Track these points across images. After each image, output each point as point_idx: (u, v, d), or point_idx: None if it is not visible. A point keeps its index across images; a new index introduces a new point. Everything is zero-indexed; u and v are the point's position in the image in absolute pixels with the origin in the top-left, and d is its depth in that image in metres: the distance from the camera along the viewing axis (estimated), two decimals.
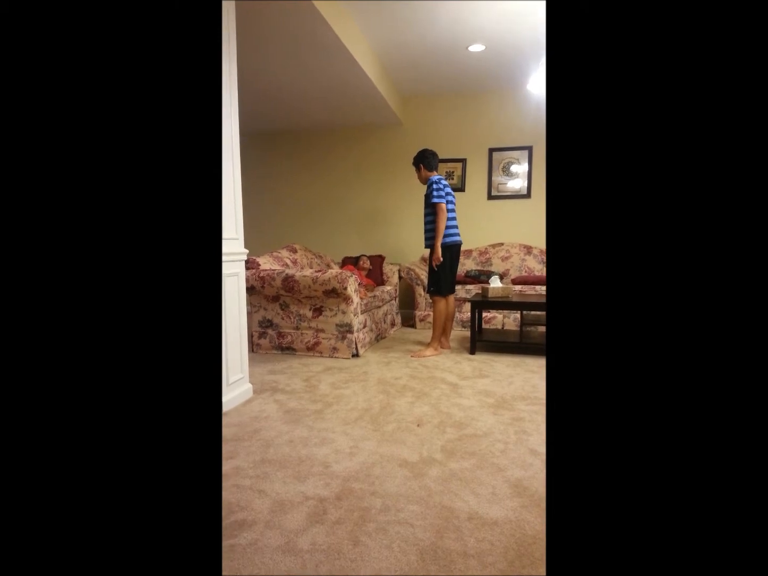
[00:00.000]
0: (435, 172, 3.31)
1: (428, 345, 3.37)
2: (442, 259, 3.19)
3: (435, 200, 3.14)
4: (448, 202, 3.20)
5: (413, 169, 4.90)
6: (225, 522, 1.30)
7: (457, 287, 4.19)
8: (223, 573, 1.09)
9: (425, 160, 3.30)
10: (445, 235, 3.19)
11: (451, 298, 3.37)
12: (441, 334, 3.35)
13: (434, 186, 3.16)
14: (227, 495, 1.44)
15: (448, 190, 3.23)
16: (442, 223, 3.14)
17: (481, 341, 3.44)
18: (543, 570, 1.10)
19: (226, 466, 1.63)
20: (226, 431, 1.96)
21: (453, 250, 3.25)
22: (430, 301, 4.30)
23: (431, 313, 4.31)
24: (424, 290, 4.29)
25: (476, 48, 3.63)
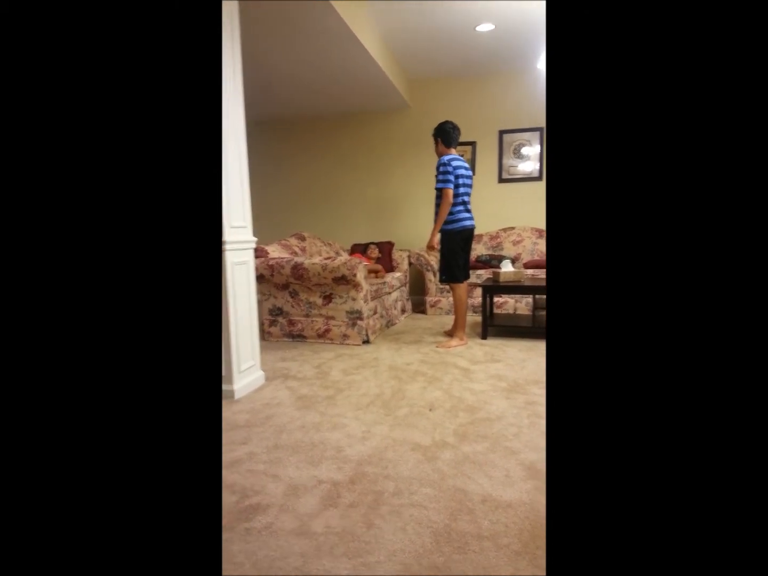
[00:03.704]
0: (452, 150, 3.10)
1: (453, 335, 3.23)
2: (437, 246, 3.11)
3: (439, 185, 3.01)
4: (460, 185, 3.04)
5: (423, 154, 4.84)
6: (240, 506, 1.31)
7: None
8: (239, 556, 1.10)
9: (444, 134, 3.08)
10: (455, 221, 3.06)
11: (465, 284, 3.22)
12: (464, 323, 3.20)
13: (441, 168, 3.00)
14: (241, 480, 1.45)
15: (461, 171, 3.03)
16: (444, 210, 3.01)
17: (493, 326, 3.42)
18: None
19: (240, 452, 1.64)
20: (239, 417, 1.97)
21: (464, 235, 3.11)
22: (441, 287, 4.27)
23: (442, 299, 4.29)
24: (434, 276, 4.26)
25: (485, 28, 3.54)
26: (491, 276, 3.78)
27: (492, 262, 4.24)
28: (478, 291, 4.17)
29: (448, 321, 4.00)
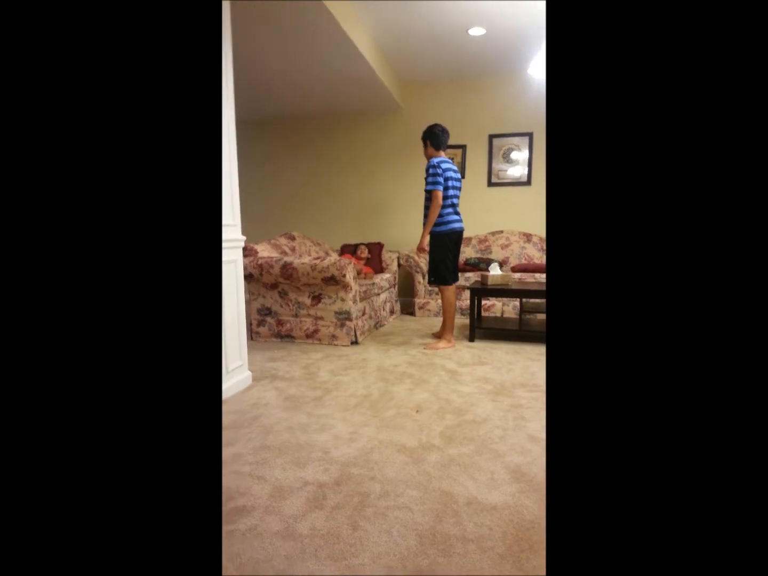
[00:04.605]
0: (441, 152, 3.13)
1: (441, 337, 3.25)
2: (427, 248, 3.11)
3: (429, 187, 3.03)
4: (449, 188, 3.06)
5: (413, 155, 4.86)
6: (224, 508, 1.30)
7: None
8: (222, 559, 1.10)
9: (433, 137, 3.10)
10: (444, 222, 3.08)
11: (453, 287, 3.23)
12: (453, 325, 3.22)
13: (431, 170, 3.03)
14: (227, 481, 1.44)
15: (450, 174, 3.07)
16: (434, 213, 3.03)
17: (481, 329, 3.44)
18: (540, 554, 1.11)
19: (226, 453, 1.63)
20: (226, 418, 1.96)
21: (452, 238, 3.12)
22: (430, 289, 4.29)
23: (430, 301, 4.31)
24: (423, 278, 4.27)
25: (476, 32, 3.57)
26: (479, 279, 3.81)
27: (480, 265, 4.26)
28: (467, 293, 4.20)
29: (437, 323, 4.02)
